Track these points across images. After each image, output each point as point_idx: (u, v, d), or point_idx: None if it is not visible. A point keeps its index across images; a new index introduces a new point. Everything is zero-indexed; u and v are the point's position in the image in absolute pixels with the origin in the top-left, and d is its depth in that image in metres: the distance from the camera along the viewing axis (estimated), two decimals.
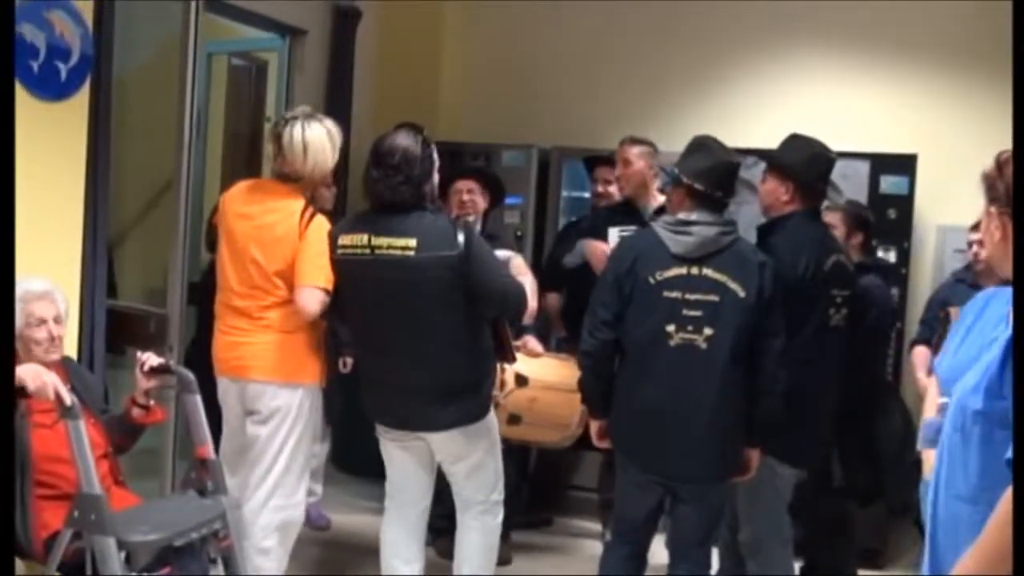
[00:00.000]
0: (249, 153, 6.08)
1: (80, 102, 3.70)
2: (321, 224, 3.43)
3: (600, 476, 4.91)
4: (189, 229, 4.21)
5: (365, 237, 3.23)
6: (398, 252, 3.18)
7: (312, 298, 3.36)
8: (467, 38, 6.45)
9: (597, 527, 4.94)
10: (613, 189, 4.65)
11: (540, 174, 5.58)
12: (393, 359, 3.31)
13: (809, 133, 3.64)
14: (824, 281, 3.44)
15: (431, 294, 3.19)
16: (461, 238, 3.19)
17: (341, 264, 3.31)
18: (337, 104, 5.38)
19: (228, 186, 5.26)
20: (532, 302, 3.44)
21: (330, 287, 3.36)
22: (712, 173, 3.26)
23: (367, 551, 4.52)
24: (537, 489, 5.17)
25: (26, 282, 3.17)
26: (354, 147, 5.50)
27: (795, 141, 3.59)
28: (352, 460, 5.46)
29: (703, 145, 3.35)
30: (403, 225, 3.19)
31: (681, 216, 3.27)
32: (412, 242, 3.17)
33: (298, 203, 3.46)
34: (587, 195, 5.20)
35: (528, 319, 3.48)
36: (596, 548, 4.76)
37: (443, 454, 3.44)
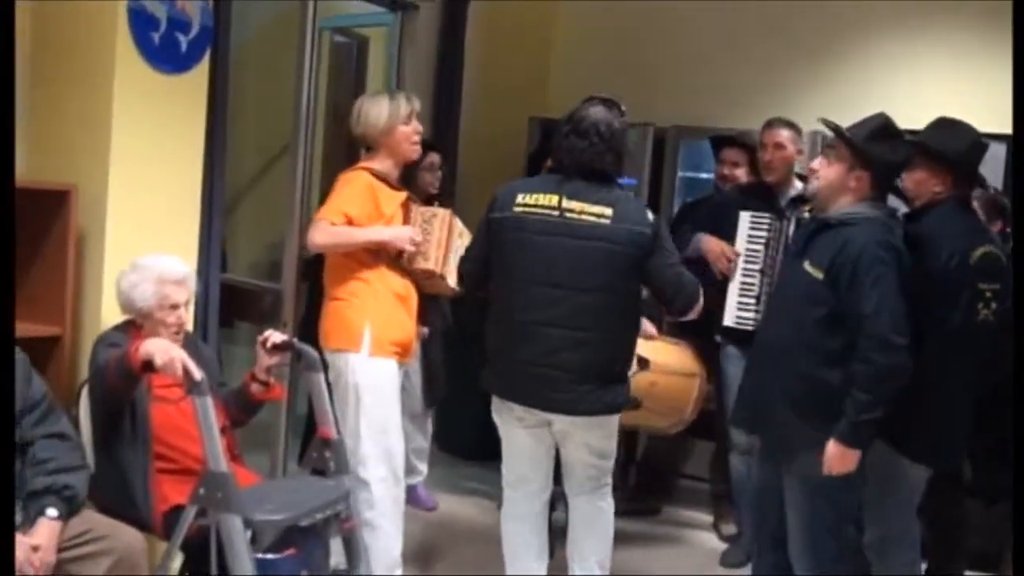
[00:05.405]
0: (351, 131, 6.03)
1: (200, 76, 3.65)
2: (358, 175, 3.56)
3: (712, 465, 4.78)
4: (305, 206, 4.19)
5: (555, 198, 3.14)
6: (591, 218, 3.12)
7: (316, 229, 3.46)
8: (580, 14, 6.31)
9: (708, 518, 4.82)
10: (740, 172, 4.45)
11: (655, 153, 5.41)
12: (551, 331, 3.13)
13: (944, 112, 3.40)
14: (970, 274, 3.22)
15: (616, 267, 3.12)
16: (651, 217, 3.17)
17: (516, 221, 3.18)
18: (447, 80, 5.32)
19: (330, 163, 5.26)
20: (701, 300, 3.27)
21: (339, 222, 3.43)
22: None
23: (473, 533, 4.46)
24: (645, 476, 5.05)
25: (165, 262, 3.13)
26: (464, 122, 5.43)
27: (949, 126, 3.34)
28: (456, 441, 5.40)
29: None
30: (599, 194, 3.15)
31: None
32: (608, 211, 3.12)
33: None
34: (703, 176, 5.03)
35: (693, 315, 3.28)
36: (707, 540, 4.66)
37: (574, 440, 3.28)
